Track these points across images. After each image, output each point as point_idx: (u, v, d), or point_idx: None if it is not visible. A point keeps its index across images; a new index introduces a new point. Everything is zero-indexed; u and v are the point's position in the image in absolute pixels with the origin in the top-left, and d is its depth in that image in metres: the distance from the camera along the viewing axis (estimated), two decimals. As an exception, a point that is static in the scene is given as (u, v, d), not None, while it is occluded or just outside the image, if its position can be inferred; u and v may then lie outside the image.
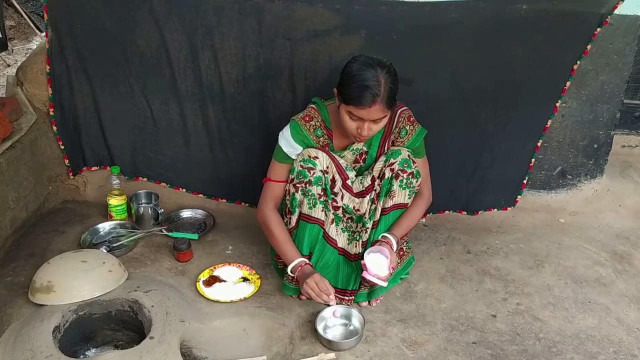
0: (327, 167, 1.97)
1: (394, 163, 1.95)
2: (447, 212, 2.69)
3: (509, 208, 2.72)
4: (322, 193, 1.96)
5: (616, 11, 2.32)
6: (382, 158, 1.99)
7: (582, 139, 2.66)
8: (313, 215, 1.97)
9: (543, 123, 2.56)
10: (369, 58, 1.84)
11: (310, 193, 1.94)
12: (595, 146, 2.68)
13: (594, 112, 2.60)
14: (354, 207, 2.04)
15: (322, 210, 1.98)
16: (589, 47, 2.40)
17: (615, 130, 2.68)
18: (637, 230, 2.61)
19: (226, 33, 2.30)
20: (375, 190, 2.00)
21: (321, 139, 2.03)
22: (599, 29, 2.37)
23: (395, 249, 1.96)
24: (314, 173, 1.93)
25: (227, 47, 2.33)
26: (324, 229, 2.02)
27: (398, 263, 2.06)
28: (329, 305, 1.99)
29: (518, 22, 2.30)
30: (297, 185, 1.95)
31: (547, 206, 2.74)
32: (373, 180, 2.00)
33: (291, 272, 1.95)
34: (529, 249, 2.46)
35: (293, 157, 2.01)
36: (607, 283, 2.26)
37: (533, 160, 2.64)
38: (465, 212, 2.69)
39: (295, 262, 1.94)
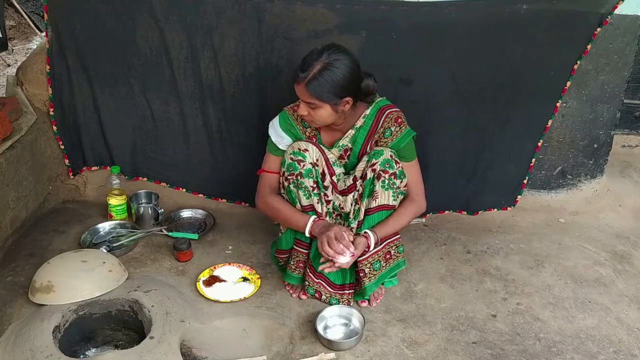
0: (317, 160, 1.98)
1: (376, 163, 1.93)
2: (447, 212, 2.69)
3: (509, 208, 2.72)
4: (314, 185, 1.97)
5: (616, 11, 2.32)
6: (365, 158, 1.99)
7: (582, 139, 2.66)
8: (310, 204, 1.99)
9: (543, 123, 2.56)
10: (332, 46, 1.86)
11: (303, 185, 1.96)
12: (595, 146, 2.68)
13: (594, 112, 2.60)
14: (339, 205, 2.04)
15: (318, 202, 1.99)
16: (589, 47, 2.40)
17: (615, 130, 2.68)
18: (637, 230, 2.61)
19: (226, 33, 2.30)
20: (358, 191, 1.99)
21: (308, 130, 2.06)
22: (599, 29, 2.37)
23: (372, 244, 1.95)
24: (304, 165, 1.95)
25: (227, 47, 2.33)
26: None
27: (383, 266, 2.05)
28: (330, 304, 2.01)
29: (518, 22, 2.30)
30: (289, 177, 1.97)
31: (547, 206, 2.74)
32: (355, 180, 2.00)
33: (310, 234, 1.96)
34: (529, 249, 2.46)
35: (281, 147, 2.04)
36: (607, 283, 2.26)
37: (533, 160, 2.64)
38: (465, 212, 2.69)
39: (310, 221, 1.94)
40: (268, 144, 2.08)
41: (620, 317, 2.07)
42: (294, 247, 2.07)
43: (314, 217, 1.96)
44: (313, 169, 1.97)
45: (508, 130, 2.53)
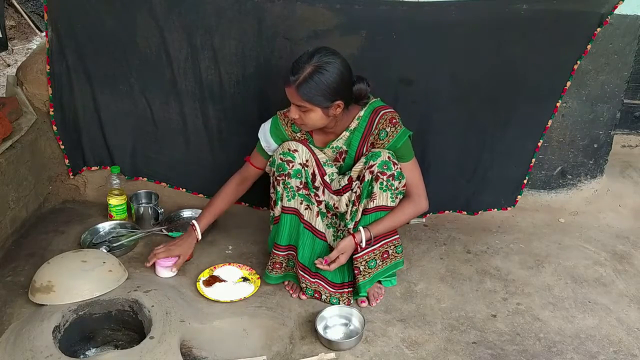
0: (307, 161, 1.98)
1: (374, 165, 1.93)
2: (447, 212, 2.69)
3: (509, 208, 2.72)
4: (300, 186, 1.98)
5: (616, 11, 2.33)
6: (362, 160, 1.98)
7: (582, 139, 2.66)
8: (291, 206, 2.00)
9: (543, 123, 2.56)
10: (323, 49, 1.87)
11: (289, 186, 1.97)
12: (595, 146, 2.69)
13: (594, 112, 2.60)
14: (333, 205, 2.04)
15: (301, 203, 2.00)
16: (589, 47, 2.41)
17: (615, 130, 2.68)
18: (637, 230, 2.61)
19: (226, 33, 2.30)
20: (355, 193, 1.99)
21: (297, 134, 2.06)
22: (599, 29, 2.37)
23: (363, 242, 1.96)
24: (292, 166, 1.95)
25: (227, 47, 2.33)
26: (308, 221, 2.02)
27: (379, 265, 2.06)
28: (331, 304, 2.01)
29: (518, 22, 2.30)
30: (278, 178, 1.98)
31: (547, 206, 2.74)
32: (350, 180, 2.00)
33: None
34: (529, 249, 2.46)
35: (268, 152, 2.08)
36: (607, 283, 2.26)
37: (533, 160, 2.64)
38: (465, 212, 2.69)
39: (193, 222, 2.13)
40: (257, 143, 2.11)
41: (620, 317, 2.07)
42: (272, 250, 2.08)
43: (194, 223, 2.13)
44: (302, 170, 1.97)
45: (508, 130, 2.53)
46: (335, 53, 1.88)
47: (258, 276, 2.14)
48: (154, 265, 2.11)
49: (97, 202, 2.56)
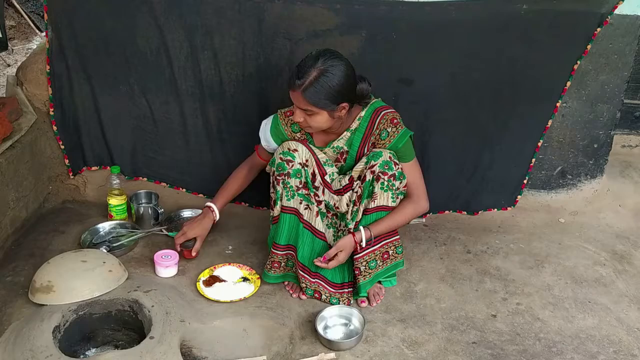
0: (307, 161, 1.99)
1: (375, 165, 1.93)
2: (447, 212, 2.68)
3: (509, 208, 2.72)
4: (300, 185, 1.98)
5: (616, 11, 2.33)
6: (364, 159, 1.98)
7: (582, 139, 2.66)
8: (290, 206, 2.00)
9: (543, 123, 2.56)
10: (327, 52, 1.87)
11: (288, 185, 1.97)
12: (595, 146, 2.68)
13: (594, 112, 2.60)
14: (334, 204, 2.04)
15: (301, 202, 2.00)
16: (589, 47, 2.41)
17: (615, 130, 2.68)
18: (637, 230, 2.61)
19: (226, 33, 2.31)
20: (357, 193, 1.99)
21: (297, 134, 2.07)
22: (599, 29, 2.37)
23: (363, 241, 1.96)
24: (292, 166, 1.96)
25: (227, 47, 2.33)
26: (307, 221, 2.03)
27: (379, 265, 2.06)
28: (331, 304, 2.01)
29: (518, 22, 2.30)
30: (278, 177, 1.98)
31: (547, 206, 2.74)
32: (351, 180, 2.00)
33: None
34: (529, 249, 2.46)
35: (268, 150, 2.11)
36: (607, 283, 2.26)
37: (533, 160, 2.64)
38: (465, 212, 2.69)
39: (209, 203, 2.20)
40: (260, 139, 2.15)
41: (620, 317, 2.07)
42: (271, 249, 2.08)
43: (209, 204, 2.19)
44: (302, 170, 1.97)
45: (508, 130, 2.53)
46: (339, 56, 1.88)
47: (258, 276, 2.14)
48: (153, 265, 2.12)
49: (97, 202, 2.56)
